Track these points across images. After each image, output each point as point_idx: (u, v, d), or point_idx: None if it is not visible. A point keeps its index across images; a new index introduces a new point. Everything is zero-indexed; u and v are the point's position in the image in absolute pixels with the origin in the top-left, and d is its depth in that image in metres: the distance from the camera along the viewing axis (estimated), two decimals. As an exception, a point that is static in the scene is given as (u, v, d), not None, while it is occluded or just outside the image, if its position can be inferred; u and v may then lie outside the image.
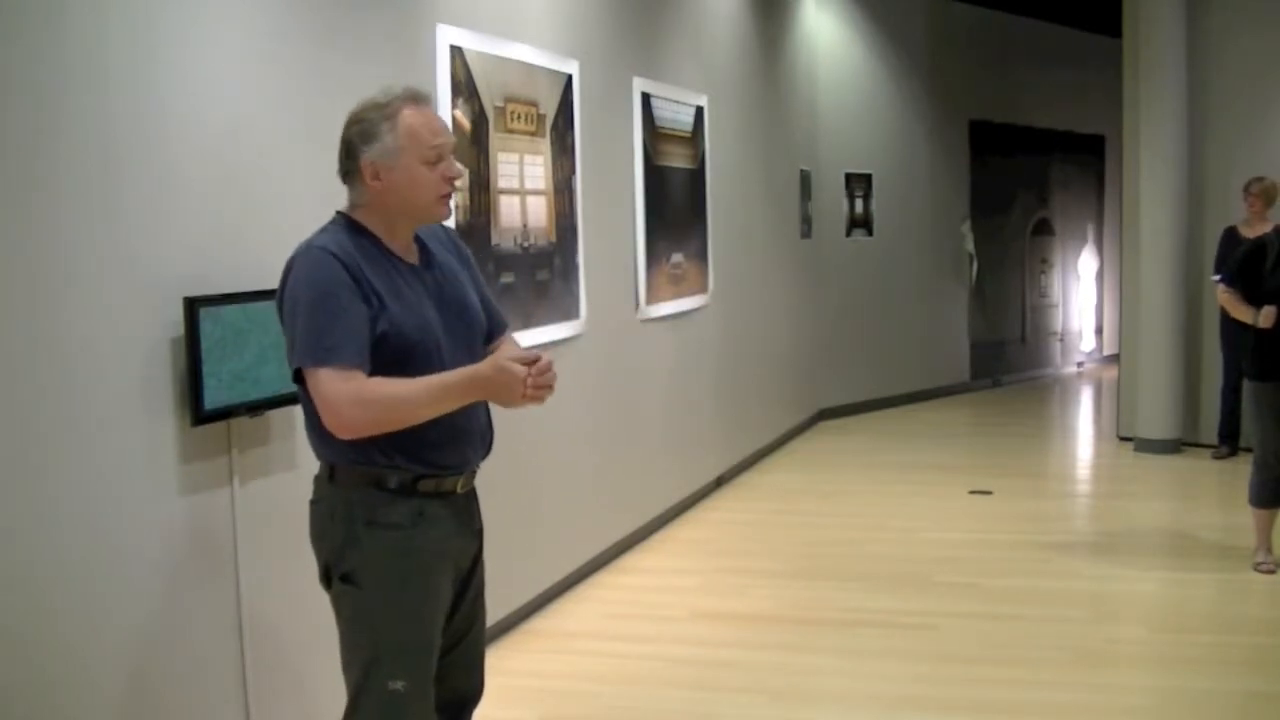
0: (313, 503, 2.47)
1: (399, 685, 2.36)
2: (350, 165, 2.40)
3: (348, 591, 2.39)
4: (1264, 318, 4.95)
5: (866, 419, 9.63)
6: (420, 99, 2.42)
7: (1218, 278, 7.02)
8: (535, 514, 4.88)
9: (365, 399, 2.26)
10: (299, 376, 2.34)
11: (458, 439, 2.44)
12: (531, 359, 2.30)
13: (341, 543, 2.38)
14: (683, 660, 4.42)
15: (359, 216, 2.42)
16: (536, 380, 2.28)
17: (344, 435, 2.30)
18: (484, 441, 2.55)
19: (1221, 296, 5.23)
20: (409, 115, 2.37)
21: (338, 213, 2.45)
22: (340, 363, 2.25)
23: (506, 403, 2.32)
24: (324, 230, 2.41)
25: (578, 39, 5.30)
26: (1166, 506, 6.72)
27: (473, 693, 2.65)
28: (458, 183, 2.47)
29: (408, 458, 2.37)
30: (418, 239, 2.50)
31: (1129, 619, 4.84)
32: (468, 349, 2.48)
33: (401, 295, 2.38)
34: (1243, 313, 5.07)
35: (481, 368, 2.32)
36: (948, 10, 10.49)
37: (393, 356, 2.32)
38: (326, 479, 2.42)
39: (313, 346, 2.27)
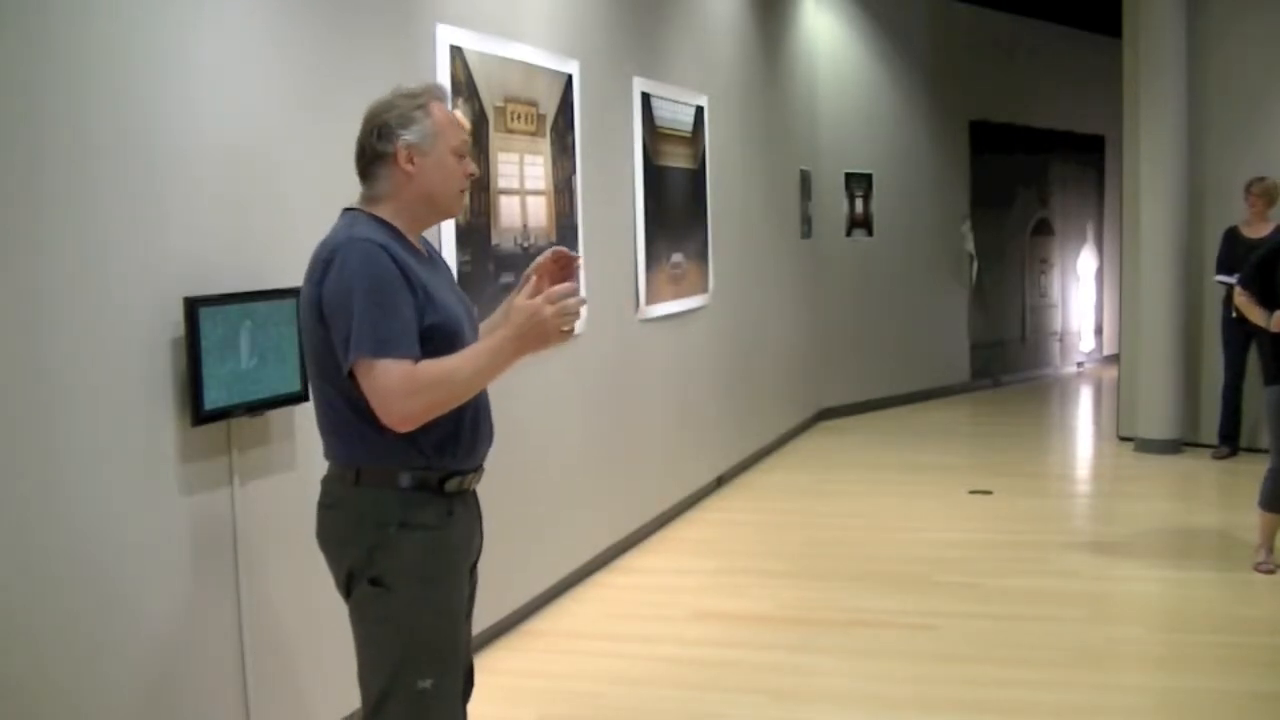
0: (327, 507, 2.43)
1: (427, 683, 2.36)
2: (383, 148, 2.37)
3: (377, 594, 2.36)
4: (1276, 322, 5.00)
5: (866, 419, 9.63)
6: (444, 96, 2.48)
7: (1226, 278, 7.03)
8: (535, 514, 4.88)
9: (418, 385, 2.25)
10: (348, 371, 2.30)
11: (482, 437, 2.50)
12: (532, 282, 2.35)
13: (371, 546, 2.35)
14: (683, 660, 4.42)
15: (380, 212, 2.40)
16: (560, 309, 2.28)
17: (404, 427, 2.29)
18: (492, 438, 2.59)
19: (1238, 298, 5.28)
20: (437, 109, 2.43)
21: (353, 208, 2.43)
22: (396, 354, 2.25)
23: (545, 345, 2.32)
24: (352, 225, 2.37)
25: (578, 39, 5.30)
26: (1166, 506, 6.71)
27: (470, 677, 2.66)
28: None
29: (442, 456, 2.38)
30: None
31: (1129, 619, 4.84)
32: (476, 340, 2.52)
33: (439, 288, 2.41)
34: (1256, 315, 5.12)
35: (508, 329, 2.30)
36: (948, 10, 10.49)
37: (439, 347, 2.33)
38: (351, 482, 2.38)
39: (369, 339, 2.25)
